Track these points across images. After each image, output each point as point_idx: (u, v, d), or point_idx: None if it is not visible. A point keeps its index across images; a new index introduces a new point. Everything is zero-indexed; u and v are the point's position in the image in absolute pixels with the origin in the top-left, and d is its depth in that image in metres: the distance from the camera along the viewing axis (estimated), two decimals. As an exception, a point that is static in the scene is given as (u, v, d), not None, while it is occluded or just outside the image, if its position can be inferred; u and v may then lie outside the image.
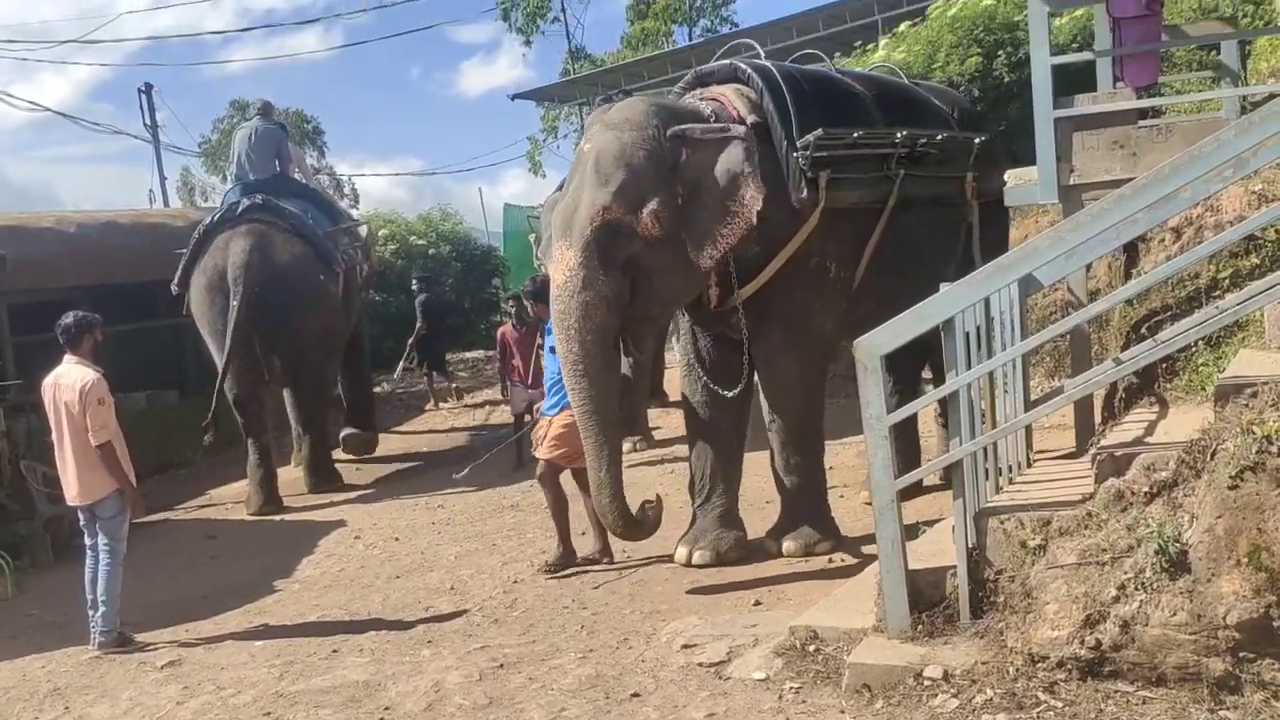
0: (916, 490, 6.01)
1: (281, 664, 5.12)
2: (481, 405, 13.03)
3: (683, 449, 6.51)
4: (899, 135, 5.93)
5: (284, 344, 9.40)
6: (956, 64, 10.88)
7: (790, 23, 15.91)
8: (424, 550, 7.22)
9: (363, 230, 11.76)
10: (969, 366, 4.10)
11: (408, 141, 75.28)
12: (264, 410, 9.66)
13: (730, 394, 5.92)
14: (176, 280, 9.64)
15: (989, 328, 4.24)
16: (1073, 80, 6.78)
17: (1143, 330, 4.78)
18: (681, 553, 6.06)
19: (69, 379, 5.64)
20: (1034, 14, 5.83)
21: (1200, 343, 4.41)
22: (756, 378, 6.05)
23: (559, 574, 6.15)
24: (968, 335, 4.13)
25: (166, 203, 23.58)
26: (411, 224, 17.82)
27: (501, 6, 26.75)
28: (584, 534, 6.47)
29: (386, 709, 4.42)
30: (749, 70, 5.93)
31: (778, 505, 6.19)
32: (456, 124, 72.81)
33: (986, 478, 4.30)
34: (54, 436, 5.77)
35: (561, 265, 5.47)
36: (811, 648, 4.27)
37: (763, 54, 6.79)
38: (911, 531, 4.50)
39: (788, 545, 5.95)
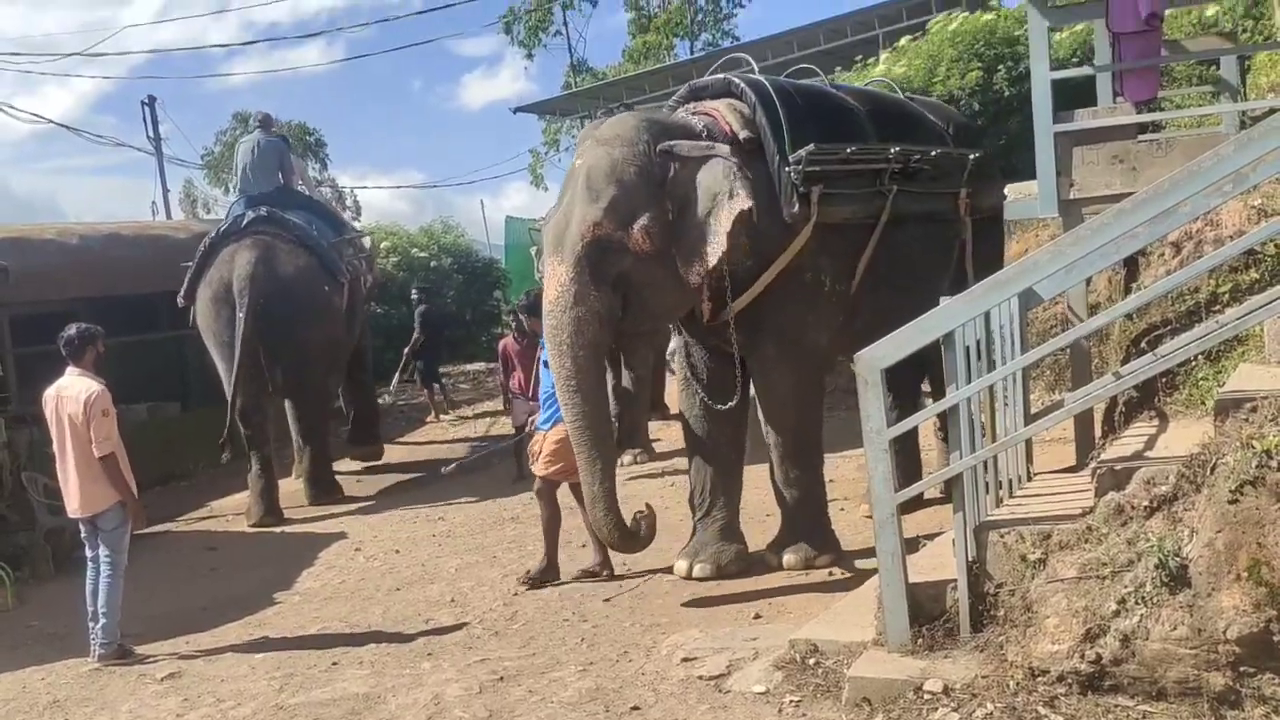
0: (917, 504, 6.03)
1: (281, 676, 5.12)
2: (479, 417, 13.05)
3: (683, 462, 6.51)
4: (892, 151, 5.92)
5: (288, 355, 9.40)
6: (957, 78, 10.93)
7: (791, 37, 15.98)
8: (424, 562, 7.22)
9: (366, 242, 11.78)
10: (969, 380, 4.10)
11: (410, 154, 75.32)
12: (267, 421, 9.68)
13: (725, 407, 5.92)
14: (182, 293, 9.68)
15: (989, 341, 4.24)
16: (1073, 95, 6.82)
17: (1143, 344, 4.79)
18: (682, 566, 6.05)
19: (72, 390, 5.65)
20: (1034, 29, 5.87)
21: (1200, 357, 4.42)
22: (754, 391, 6.06)
23: (538, 586, 6.16)
24: (968, 349, 4.13)
25: (169, 215, 23.60)
26: (413, 236, 17.90)
27: (504, 20, 26.82)
28: (584, 546, 6.48)
29: (386, 721, 4.41)
30: (742, 85, 5.94)
31: (778, 518, 6.18)
32: (458, 137, 72.89)
33: (986, 491, 4.30)
34: (55, 448, 5.77)
35: (553, 281, 5.49)
36: (811, 661, 4.26)
37: (757, 68, 6.81)
38: (912, 545, 4.49)
39: (788, 558, 5.95)
